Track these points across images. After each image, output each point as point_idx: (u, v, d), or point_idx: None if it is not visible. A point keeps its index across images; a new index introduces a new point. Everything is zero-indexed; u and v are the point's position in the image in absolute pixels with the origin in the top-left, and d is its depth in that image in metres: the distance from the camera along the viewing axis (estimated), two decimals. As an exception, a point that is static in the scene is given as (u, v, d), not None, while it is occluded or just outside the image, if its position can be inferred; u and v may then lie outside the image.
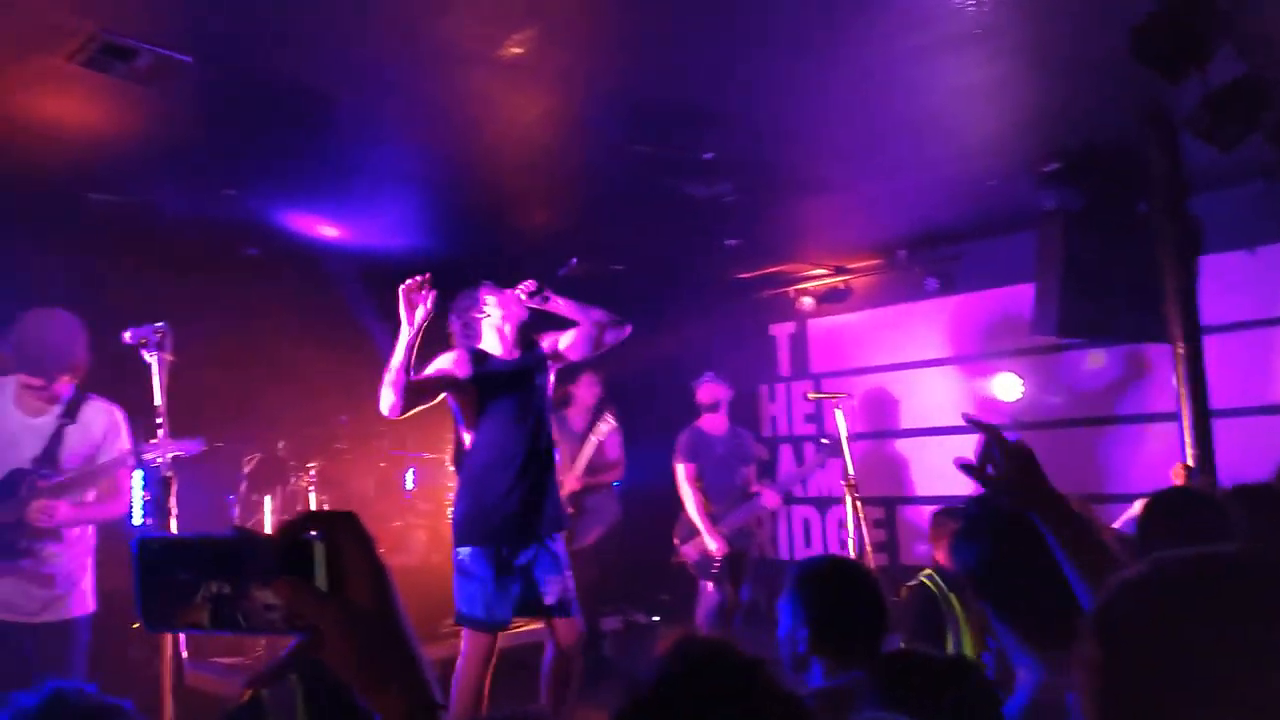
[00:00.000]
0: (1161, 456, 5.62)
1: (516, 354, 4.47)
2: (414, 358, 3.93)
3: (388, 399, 3.91)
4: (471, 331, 4.46)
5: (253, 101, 4.59)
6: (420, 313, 3.92)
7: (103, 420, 3.68)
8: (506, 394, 4.33)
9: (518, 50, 4.07)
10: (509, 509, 4.18)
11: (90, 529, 3.76)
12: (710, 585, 6.07)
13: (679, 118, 4.94)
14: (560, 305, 4.46)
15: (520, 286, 4.41)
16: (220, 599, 0.82)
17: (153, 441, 3.35)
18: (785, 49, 4.16)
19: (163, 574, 0.84)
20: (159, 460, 3.32)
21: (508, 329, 4.45)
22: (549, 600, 4.23)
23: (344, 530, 0.83)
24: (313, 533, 0.82)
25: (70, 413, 3.58)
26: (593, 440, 6.47)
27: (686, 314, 8.45)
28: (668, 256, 7.81)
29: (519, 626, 5.05)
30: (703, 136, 5.16)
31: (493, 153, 5.43)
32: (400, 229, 6.98)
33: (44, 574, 3.53)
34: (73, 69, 4.01)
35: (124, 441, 3.69)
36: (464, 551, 4.19)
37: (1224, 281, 5.89)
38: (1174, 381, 5.16)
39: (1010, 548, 1.85)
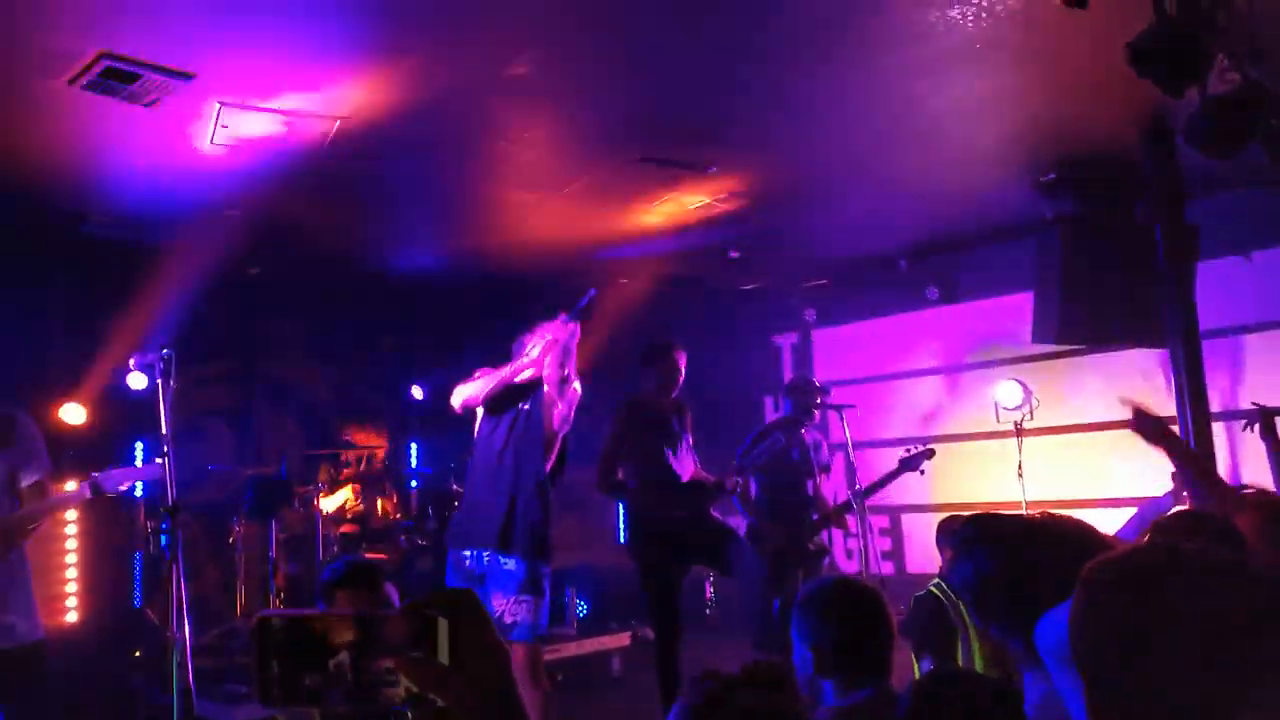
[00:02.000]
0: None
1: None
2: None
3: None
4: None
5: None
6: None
7: (32, 425, 3.43)
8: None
9: (520, 70, 4.09)
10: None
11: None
12: None
13: (685, 133, 4.97)
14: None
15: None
16: (340, 676, 0.85)
17: (112, 470, 3.28)
18: (788, 63, 4.19)
19: (284, 653, 0.86)
20: (122, 487, 3.26)
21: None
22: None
23: (465, 608, 0.87)
24: (435, 610, 0.86)
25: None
26: None
27: (691, 325, 8.46)
28: (671, 268, 7.83)
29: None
30: (706, 152, 5.18)
31: (496, 170, 5.45)
32: (406, 248, 6.99)
33: None
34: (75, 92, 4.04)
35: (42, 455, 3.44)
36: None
37: (1221, 287, 5.90)
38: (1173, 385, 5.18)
39: (1008, 560, 1.85)
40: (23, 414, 3.35)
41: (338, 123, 4.60)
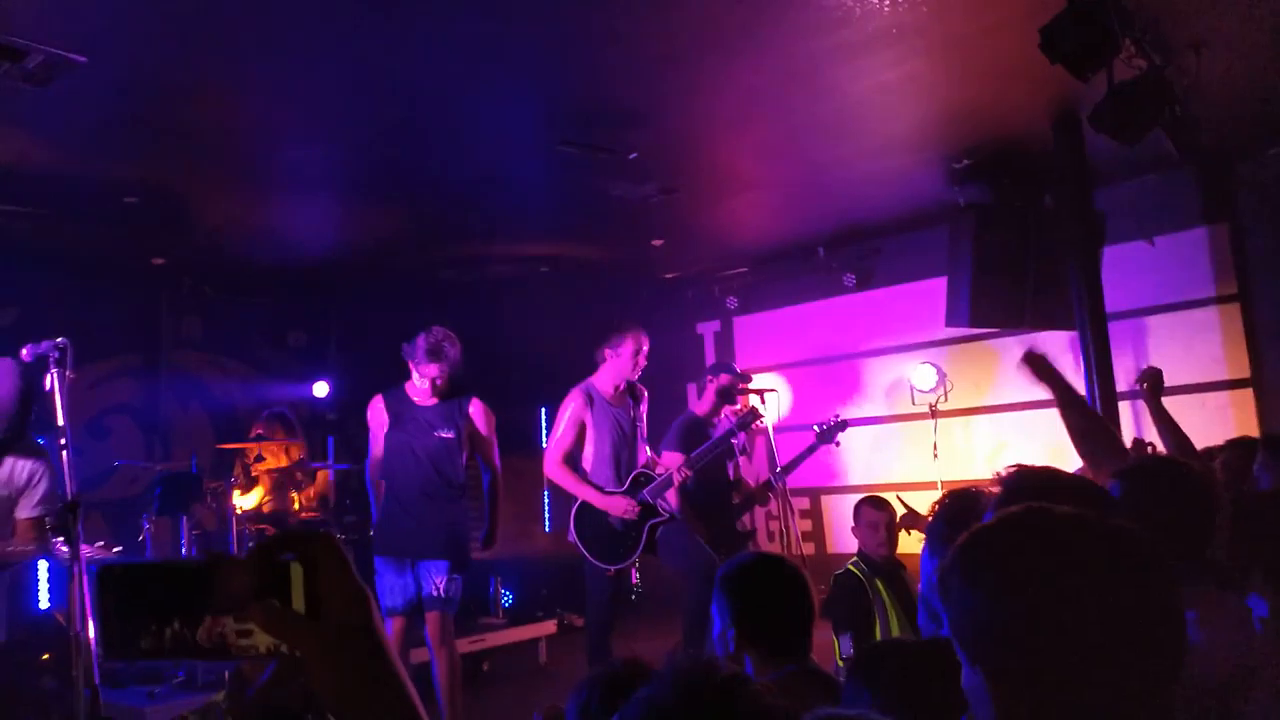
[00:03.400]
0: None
1: (434, 401, 4.70)
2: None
3: None
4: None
5: (153, 101, 4.43)
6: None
7: (25, 472, 3.52)
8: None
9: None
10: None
11: None
12: None
13: (603, 118, 4.93)
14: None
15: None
16: (189, 626, 0.78)
17: (84, 546, 3.24)
18: (708, 49, 4.18)
19: (127, 602, 0.79)
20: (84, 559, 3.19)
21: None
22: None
23: (321, 550, 0.80)
24: (288, 554, 0.79)
25: None
26: None
27: (613, 313, 8.46)
28: (595, 257, 7.80)
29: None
30: (628, 137, 5.15)
31: (415, 154, 5.33)
32: (312, 233, 6.80)
33: None
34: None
35: (44, 489, 3.55)
36: None
37: (1126, 270, 6.12)
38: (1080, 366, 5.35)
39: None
40: None
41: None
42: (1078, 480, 1.94)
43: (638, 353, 5.01)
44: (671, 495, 5.09)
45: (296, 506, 7.24)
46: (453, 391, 4.73)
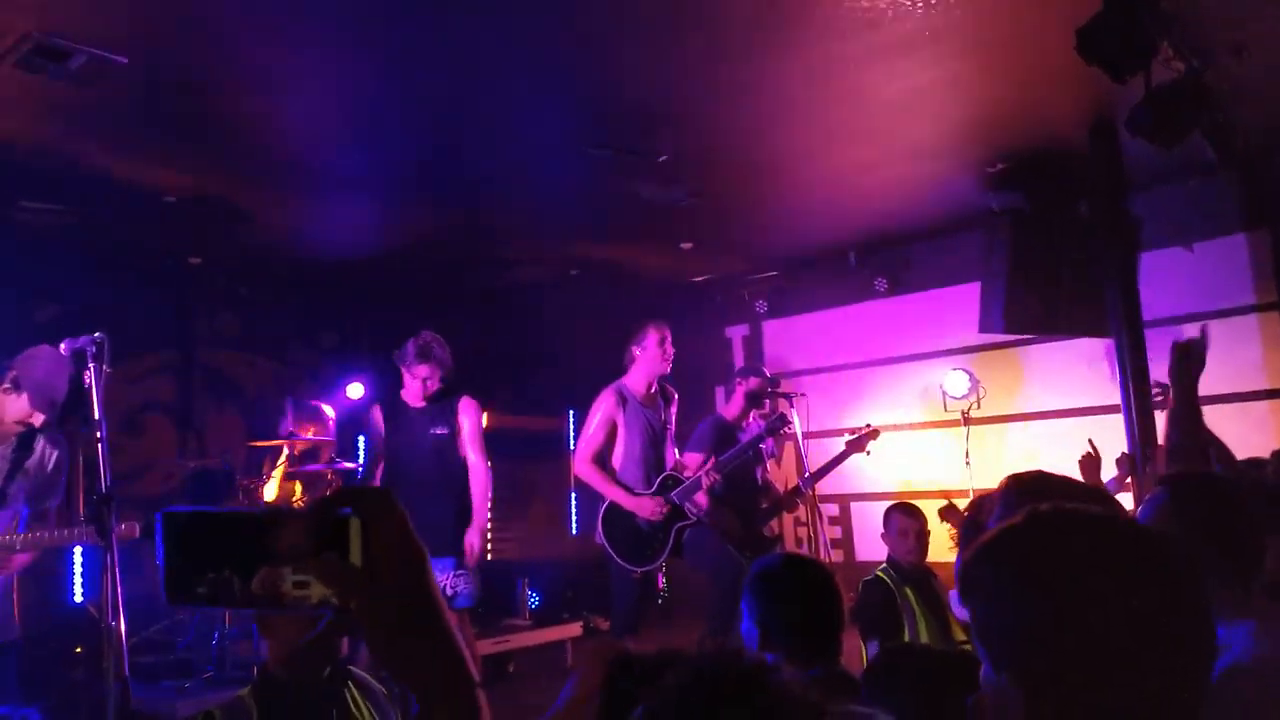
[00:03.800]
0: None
1: (422, 404, 4.92)
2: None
3: None
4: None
5: (190, 102, 4.50)
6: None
7: (54, 456, 3.59)
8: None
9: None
10: None
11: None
12: None
13: (633, 121, 4.93)
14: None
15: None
16: (248, 575, 0.79)
17: (42, 533, 3.33)
18: (738, 53, 4.17)
19: (187, 548, 0.81)
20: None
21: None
22: None
23: (379, 507, 0.81)
24: (346, 509, 0.80)
25: (26, 444, 3.47)
26: None
27: (642, 317, 8.48)
28: (624, 260, 7.81)
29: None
30: (657, 140, 5.15)
31: (448, 155, 5.37)
32: (345, 234, 6.87)
33: None
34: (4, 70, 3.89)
35: (64, 479, 3.65)
36: None
37: (1164, 277, 6.02)
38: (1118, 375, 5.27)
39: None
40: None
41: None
42: (1072, 483, 1.91)
43: (663, 342, 5.05)
44: (701, 498, 5.08)
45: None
46: (445, 393, 4.93)
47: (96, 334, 3.09)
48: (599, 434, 5.02)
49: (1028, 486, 1.79)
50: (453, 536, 4.71)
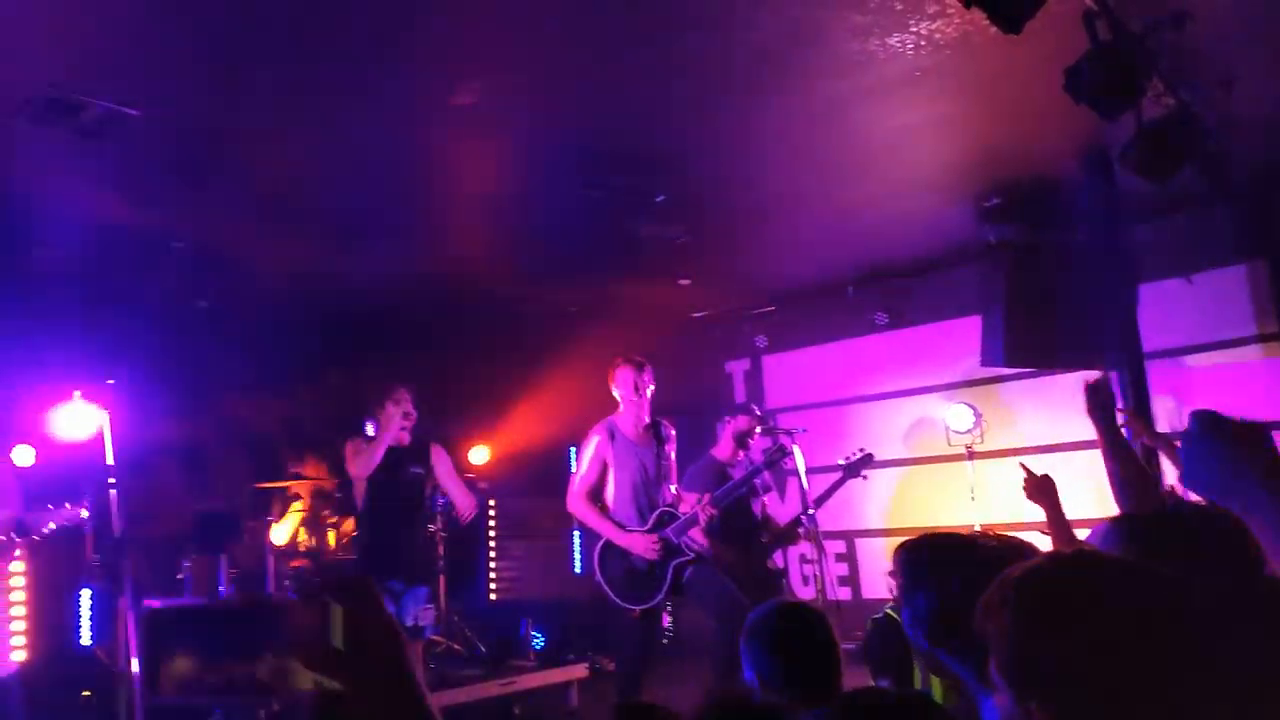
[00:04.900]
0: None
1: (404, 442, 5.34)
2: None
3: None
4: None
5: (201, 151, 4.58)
6: None
7: None
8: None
9: (468, 99, 4.10)
10: None
11: None
12: None
13: (631, 161, 5.00)
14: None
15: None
16: (235, 662, 0.86)
17: (35, 513, 3.31)
18: (735, 92, 4.25)
19: (172, 641, 0.88)
20: (47, 529, 3.26)
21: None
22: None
23: (359, 594, 0.89)
24: (328, 597, 0.88)
25: None
26: None
27: (642, 353, 8.52)
28: (623, 296, 7.86)
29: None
30: (654, 180, 5.22)
31: (445, 198, 5.44)
32: (348, 276, 6.93)
33: None
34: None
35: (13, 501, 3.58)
36: None
37: (1163, 308, 6.05)
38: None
39: (961, 590, 1.85)
40: None
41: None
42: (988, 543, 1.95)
43: (636, 385, 4.91)
44: (698, 534, 5.02)
45: (331, 544, 7.28)
46: (416, 437, 5.37)
47: (109, 379, 3.13)
48: (590, 472, 4.96)
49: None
50: (424, 567, 5.30)
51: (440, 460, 5.50)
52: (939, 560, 1.89)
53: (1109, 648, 1.07)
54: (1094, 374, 3.04)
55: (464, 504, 5.53)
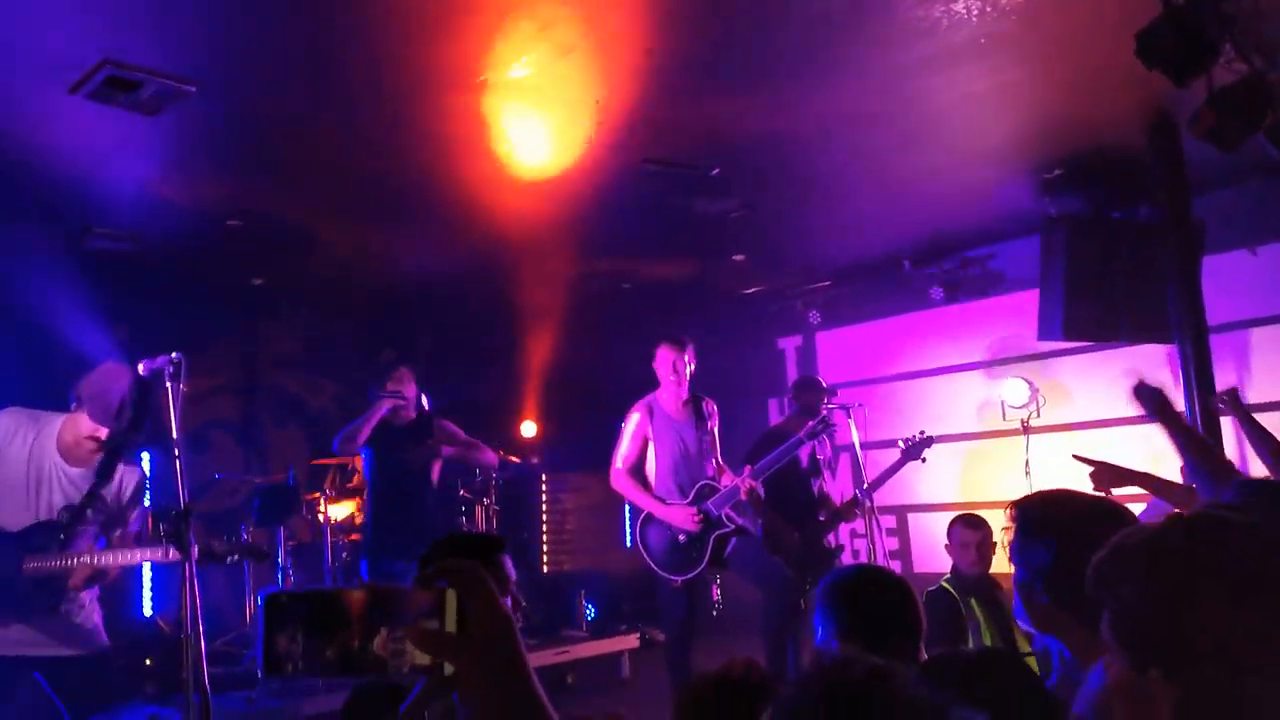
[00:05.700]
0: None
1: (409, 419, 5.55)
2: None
3: None
4: None
5: (257, 128, 4.63)
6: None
7: (132, 483, 3.62)
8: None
9: (525, 72, 4.09)
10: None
11: None
12: None
13: (686, 135, 4.96)
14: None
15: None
16: (344, 646, 0.87)
17: (124, 551, 3.42)
18: (791, 63, 4.18)
19: (290, 627, 0.88)
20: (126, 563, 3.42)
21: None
22: None
23: (472, 579, 0.90)
24: (442, 581, 0.89)
25: (106, 471, 3.48)
26: None
27: (694, 329, 8.53)
28: (676, 273, 7.84)
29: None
30: (709, 153, 5.18)
31: (501, 174, 5.45)
32: (403, 255, 6.99)
33: (77, 621, 3.47)
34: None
35: (144, 501, 3.74)
36: None
37: (1228, 281, 5.89)
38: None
39: (1079, 545, 1.82)
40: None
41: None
42: (1098, 500, 1.92)
43: (675, 365, 5.03)
44: (738, 511, 5.08)
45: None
46: (420, 415, 5.59)
47: (174, 354, 3.18)
48: (632, 448, 5.10)
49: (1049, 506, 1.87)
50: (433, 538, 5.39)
51: (446, 433, 5.59)
52: (1052, 518, 1.88)
53: (1243, 619, 1.06)
54: (1133, 380, 2.97)
55: (486, 460, 5.85)
